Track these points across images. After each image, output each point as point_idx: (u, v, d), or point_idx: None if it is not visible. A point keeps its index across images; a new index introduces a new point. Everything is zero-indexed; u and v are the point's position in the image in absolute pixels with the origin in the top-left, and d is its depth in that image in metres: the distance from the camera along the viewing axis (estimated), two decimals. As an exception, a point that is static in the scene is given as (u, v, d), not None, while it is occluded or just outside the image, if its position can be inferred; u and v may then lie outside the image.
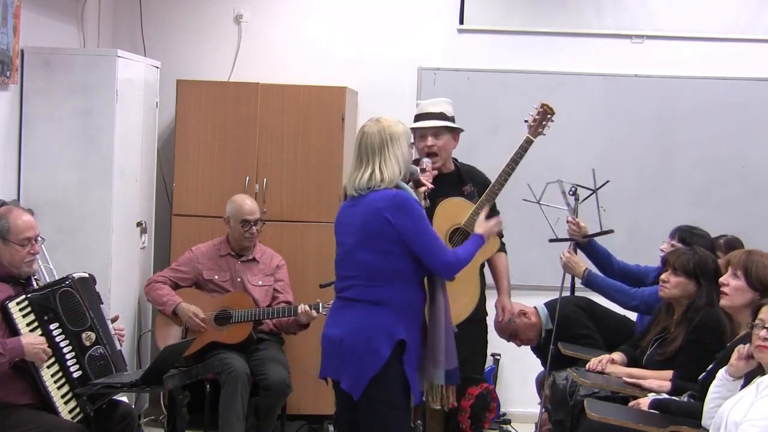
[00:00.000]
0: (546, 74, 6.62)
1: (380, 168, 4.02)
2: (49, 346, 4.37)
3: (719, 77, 6.60)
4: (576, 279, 5.37)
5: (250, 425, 5.63)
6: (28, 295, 4.42)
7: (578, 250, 5.34)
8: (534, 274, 6.34)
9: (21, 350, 4.27)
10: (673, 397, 4.26)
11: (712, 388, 3.92)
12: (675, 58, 6.64)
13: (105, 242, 5.60)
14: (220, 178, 6.21)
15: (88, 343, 4.52)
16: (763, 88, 6.60)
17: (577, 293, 5.54)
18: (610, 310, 5.49)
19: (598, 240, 5.36)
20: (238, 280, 5.80)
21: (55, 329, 4.44)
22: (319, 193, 6.20)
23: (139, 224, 6.05)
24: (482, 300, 5.06)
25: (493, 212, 5.08)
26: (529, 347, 5.74)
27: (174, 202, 6.31)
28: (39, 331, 4.39)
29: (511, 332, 5.48)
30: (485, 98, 6.57)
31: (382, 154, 4.03)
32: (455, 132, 5.09)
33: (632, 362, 4.76)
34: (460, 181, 5.09)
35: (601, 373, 4.67)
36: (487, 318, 5.25)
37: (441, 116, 5.03)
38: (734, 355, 3.88)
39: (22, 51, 5.46)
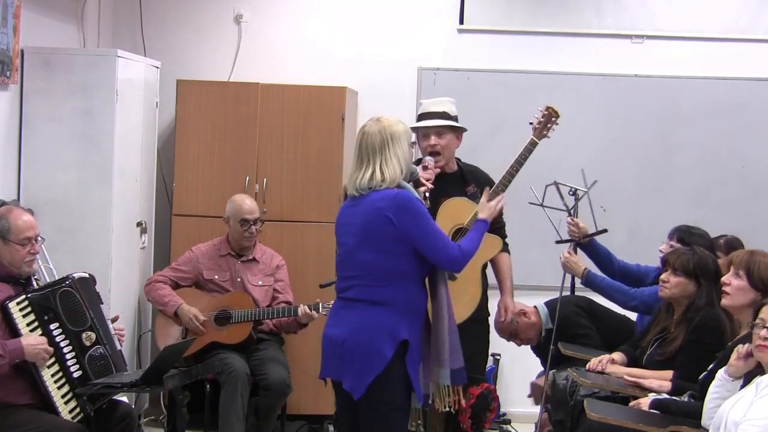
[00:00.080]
0: (546, 74, 6.62)
1: (381, 168, 4.01)
2: (49, 346, 4.38)
3: (719, 77, 6.60)
4: (576, 279, 5.37)
5: (250, 425, 5.63)
6: (28, 295, 4.42)
7: (579, 250, 5.34)
8: (534, 274, 6.34)
9: (21, 352, 4.27)
10: (674, 397, 4.26)
11: (711, 388, 3.93)
12: (675, 58, 6.65)
13: (105, 242, 5.60)
14: (220, 178, 6.21)
15: (88, 343, 4.52)
16: (763, 88, 6.60)
17: (577, 293, 5.54)
18: (611, 310, 5.49)
19: (599, 239, 5.36)
20: (238, 280, 5.80)
21: (55, 329, 4.44)
22: (319, 193, 6.20)
23: (139, 224, 6.05)
24: (484, 300, 5.06)
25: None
26: (529, 347, 5.74)
27: (174, 202, 6.31)
28: (39, 331, 4.39)
29: (511, 332, 5.48)
30: (485, 98, 6.57)
31: (383, 154, 4.03)
32: (458, 131, 5.08)
33: (632, 362, 4.76)
34: (463, 181, 5.08)
35: (601, 373, 4.67)
36: (489, 318, 5.25)
37: (444, 115, 5.02)
38: (733, 355, 3.88)
39: (22, 51, 5.46)
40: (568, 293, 5.49)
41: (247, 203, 5.82)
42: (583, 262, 5.31)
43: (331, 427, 6.23)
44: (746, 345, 3.83)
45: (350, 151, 4.25)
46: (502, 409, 6.52)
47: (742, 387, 3.78)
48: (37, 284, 4.58)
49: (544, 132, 4.81)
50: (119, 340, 4.73)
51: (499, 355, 6.50)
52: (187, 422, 4.70)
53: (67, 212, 5.55)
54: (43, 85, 5.53)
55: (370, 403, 3.97)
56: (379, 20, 6.70)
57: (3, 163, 5.39)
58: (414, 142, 4.29)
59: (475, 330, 4.96)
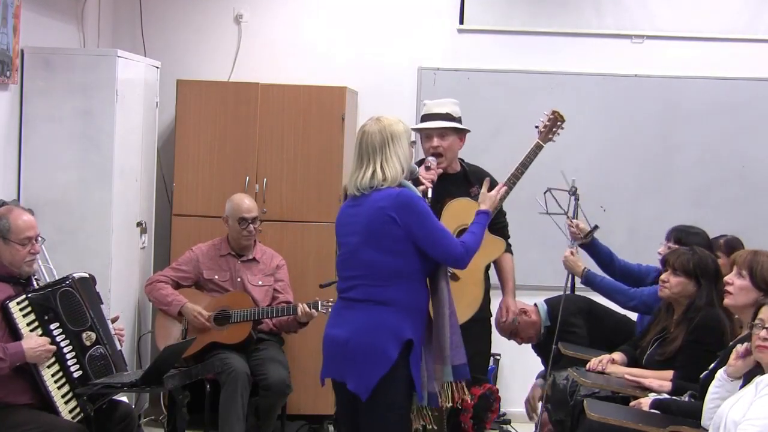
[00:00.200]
0: (546, 74, 6.62)
1: (382, 167, 4.01)
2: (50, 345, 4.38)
3: (719, 77, 6.61)
4: (577, 279, 5.37)
5: (250, 425, 5.64)
6: (29, 295, 4.42)
7: (580, 250, 5.34)
8: (534, 274, 6.34)
9: (22, 355, 4.27)
10: (674, 397, 4.26)
11: (711, 388, 3.93)
12: (675, 58, 6.65)
13: (105, 242, 5.60)
14: (220, 178, 6.21)
15: (88, 343, 4.52)
16: (763, 88, 6.60)
17: (577, 293, 5.54)
18: (611, 310, 5.50)
19: (601, 239, 5.36)
20: (238, 279, 5.80)
21: (56, 329, 4.44)
22: (319, 193, 6.20)
23: (139, 224, 6.05)
24: (486, 300, 5.07)
25: (500, 214, 5.09)
26: (529, 347, 5.75)
27: (174, 202, 6.31)
28: (39, 331, 4.40)
29: (511, 331, 5.48)
30: (485, 98, 6.57)
31: (383, 153, 4.02)
32: (461, 133, 5.07)
33: (632, 362, 4.76)
34: (467, 181, 5.08)
35: (602, 373, 4.67)
36: (491, 318, 5.26)
37: (447, 117, 5.01)
38: (732, 356, 3.88)
39: (22, 51, 5.46)
40: (569, 293, 5.49)
41: (245, 202, 5.82)
42: (584, 262, 5.31)
43: (331, 427, 6.23)
44: (744, 344, 3.83)
45: (350, 151, 4.25)
46: (502, 409, 6.51)
47: (742, 387, 3.78)
48: (38, 284, 4.58)
49: (550, 136, 4.82)
50: (119, 341, 4.73)
51: (499, 355, 6.50)
52: (187, 422, 4.70)
53: (67, 212, 5.55)
54: (43, 85, 5.53)
55: (373, 404, 3.96)
56: (379, 20, 6.70)
57: (3, 163, 5.39)
58: (414, 142, 4.28)
59: (477, 330, 4.96)
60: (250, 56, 6.67)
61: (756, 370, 3.75)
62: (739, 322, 4.29)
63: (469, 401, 4.38)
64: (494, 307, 5.28)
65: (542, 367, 5.68)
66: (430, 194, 4.48)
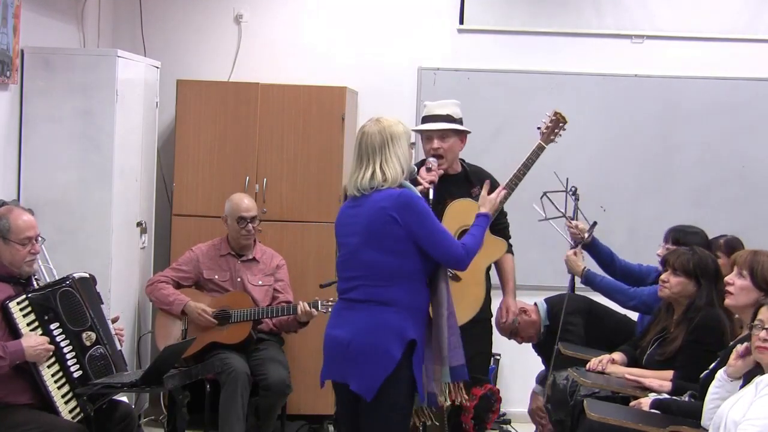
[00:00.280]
0: (546, 74, 6.62)
1: (381, 168, 4.01)
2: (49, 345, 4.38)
3: (719, 77, 6.61)
4: (577, 278, 5.37)
5: (250, 425, 5.64)
6: (29, 295, 4.42)
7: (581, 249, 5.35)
8: (534, 274, 6.34)
9: (22, 353, 4.27)
10: (674, 397, 4.26)
11: (711, 388, 3.93)
12: (675, 58, 6.65)
13: (105, 242, 5.60)
14: (220, 178, 6.21)
15: (88, 343, 4.52)
16: (763, 88, 6.60)
17: (578, 293, 5.53)
18: (611, 310, 5.50)
19: (601, 240, 5.36)
20: (238, 279, 5.80)
21: (56, 329, 4.45)
22: (319, 193, 6.20)
23: (139, 224, 6.05)
24: (487, 301, 5.07)
25: (501, 215, 5.08)
26: (529, 346, 5.75)
27: (174, 202, 6.31)
28: (39, 331, 4.40)
29: (512, 330, 5.48)
30: (485, 98, 6.57)
31: (383, 154, 4.03)
32: (462, 134, 5.06)
33: (632, 362, 4.76)
34: (468, 182, 5.08)
35: (602, 373, 4.67)
36: (492, 319, 5.26)
37: (448, 118, 5.00)
38: (732, 356, 3.88)
39: (22, 51, 5.46)
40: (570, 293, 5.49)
41: (244, 202, 5.83)
42: (586, 262, 5.31)
43: (331, 427, 6.23)
44: (744, 344, 3.83)
45: (350, 151, 4.26)
46: (503, 409, 6.51)
47: (742, 387, 3.78)
48: (38, 284, 4.58)
49: (552, 137, 4.82)
50: (119, 341, 4.73)
51: (499, 355, 6.50)
52: (187, 422, 4.71)
53: (67, 212, 5.55)
54: (43, 85, 5.53)
55: (376, 404, 3.95)
56: (379, 20, 6.70)
57: (3, 163, 5.39)
58: (413, 143, 4.29)
59: (477, 330, 4.96)
60: (250, 56, 6.67)
61: (756, 370, 3.75)
62: (739, 322, 4.29)
63: (467, 402, 4.37)
64: (495, 308, 5.27)
65: (542, 367, 5.69)
66: (431, 195, 4.48)
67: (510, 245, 5.19)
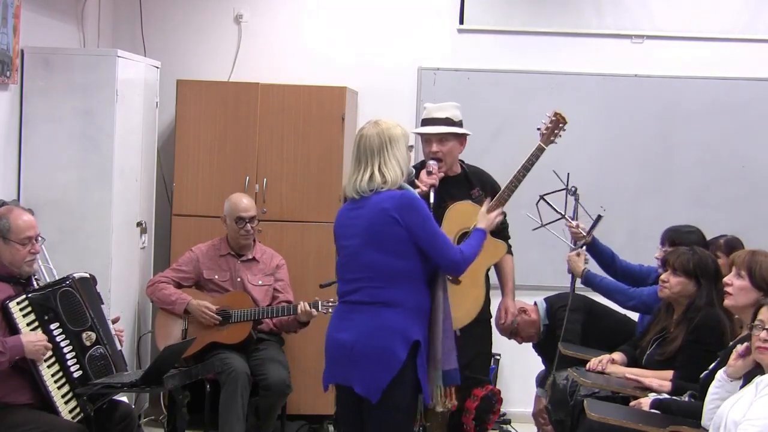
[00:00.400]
0: (546, 74, 6.62)
1: (380, 170, 4.01)
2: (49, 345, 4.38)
3: (719, 77, 6.61)
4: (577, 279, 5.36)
5: (250, 425, 5.64)
6: (29, 295, 4.42)
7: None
8: (534, 274, 6.34)
9: (21, 348, 4.27)
10: (674, 397, 4.26)
11: (711, 388, 3.92)
12: (675, 58, 6.65)
13: (105, 242, 5.60)
14: (220, 178, 6.21)
15: (88, 343, 4.52)
16: (763, 88, 6.60)
17: (581, 293, 5.53)
18: (611, 310, 5.49)
19: (602, 239, 5.35)
20: (238, 279, 5.80)
21: (56, 329, 4.45)
22: (319, 193, 6.20)
23: (139, 224, 6.05)
24: (487, 302, 5.06)
25: None
26: (529, 346, 5.75)
27: (174, 202, 6.31)
28: (39, 331, 4.39)
29: (512, 330, 5.48)
30: (485, 98, 6.57)
31: (381, 156, 4.03)
32: (461, 137, 5.05)
33: (632, 362, 4.76)
34: (468, 183, 5.07)
35: (602, 373, 4.67)
36: (492, 320, 5.25)
37: (447, 121, 4.98)
38: (732, 356, 3.88)
39: (22, 51, 5.46)
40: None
41: (243, 201, 5.83)
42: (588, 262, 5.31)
43: (331, 427, 6.23)
44: (744, 344, 3.83)
45: (350, 151, 4.26)
46: (503, 409, 6.51)
47: (742, 387, 3.78)
48: (38, 284, 4.58)
49: (552, 138, 4.81)
50: (119, 341, 4.73)
51: (499, 355, 6.50)
52: (187, 422, 4.71)
53: (67, 212, 5.55)
54: (43, 85, 5.53)
55: (381, 406, 3.94)
56: (379, 20, 6.70)
57: (3, 163, 5.39)
58: (412, 146, 4.29)
59: (478, 331, 4.96)
60: (250, 56, 6.67)
61: (756, 370, 3.75)
62: (739, 322, 4.29)
63: (456, 406, 4.38)
64: (494, 308, 5.27)
65: (542, 367, 5.69)
66: (432, 199, 4.48)
67: (509, 246, 5.19)
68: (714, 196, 6.60)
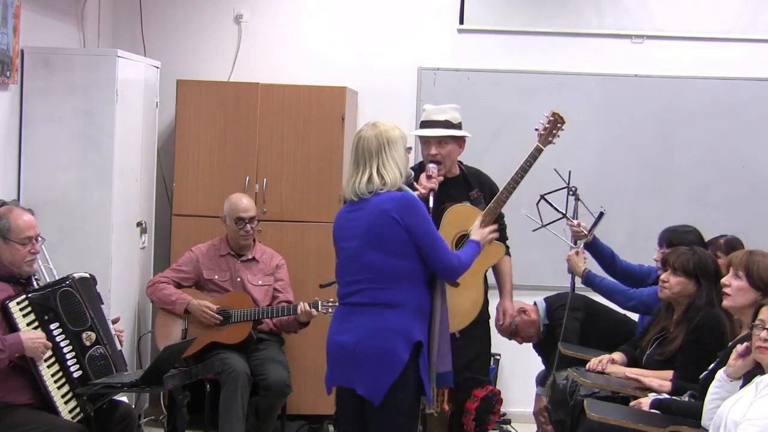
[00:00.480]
0: (546, 74, 6.62)
1: (378, 171, 4.01)
2: (49, 345, 4.38)
3: (719, 77, 6.60)
4: (577, 278, 5.36)
5: (250, 425, 5.64)
6: (29, 295, 4.42)
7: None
8: (534, 274, 6.34)
9: (20, 345, 4.27)
10: (674, 397, 4.26)
11: (711, 388, 3.92)
12: (675, 58, 6.65)
13: (105, 242, 5.60)
14: (220, 178, 6.21)
15: (88, 343, 4.52)
16: (763, 88, 6.60)
17: (578, 293, 5.53)
18: (611, 310, 5.50)
19: (603, 239, 5.35)
20: (238, 279, 5.80)
21: (56, 329, 4.44)
22: (319, 193, 6.20)
23: (139, 224, 6.05)
24: (485, 303, 5.06)
25: (498, 217, 5.07)
26: (530, 346, 5.75)
27: (174, 202, 6.31)
28: (39, 330, 4.40)
29: (511, 331, 5.48)
30: (485, 98, 6.57)
31: (379, 158, 4.03)
32: (461, 139, 5.04)
33: (632, 362, 4.76)
34: (466, 184, 5.07)
35: (602, 373, 4.67)
36: (490, 320, 5.25)
37: (446, 124, 4.97)
38: (732, 356, 3.88)
39: (22, 51, 5.46)
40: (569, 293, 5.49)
41: (243, 202, 5.82)
42: (587, 262, 5.30)
43: (331, 427, 6.23)
44: (744, 344, 3.83)
45: (350, 151, 4.26)
46: (503, 410, 6.51)
47: (742, 387, 3.78)
48: (38, 284, 4.58)
49: (550, 138, 4.80)
50: (119, 341, 4.73)
51: (499, 355, 6.50)
52: (187, 422, 4.71)
53: (67, 212, 5.55)
54: (43, 85, 5.53)
55: (384, 407, 3.94)
56: (379, 20, 6.70)
57: (3, 163, 5.39)
58: (410, 148, 4.29)
59: (477, 333, 4.96)
60: (250, 56, 6.67)
61: (756, 370, 3.75)
62: (739, 322, 4.29)
63: (447, 408, 4.38)
64: (492, 309, 5.26)
65: (542, 367, 5.69)
66: (431, 203, 4.48)
67: (507, 247, 5.19)
68: (714, 196, 6.60)
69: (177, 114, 6.28)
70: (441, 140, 4.95)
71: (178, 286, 5.80)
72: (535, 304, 5.61)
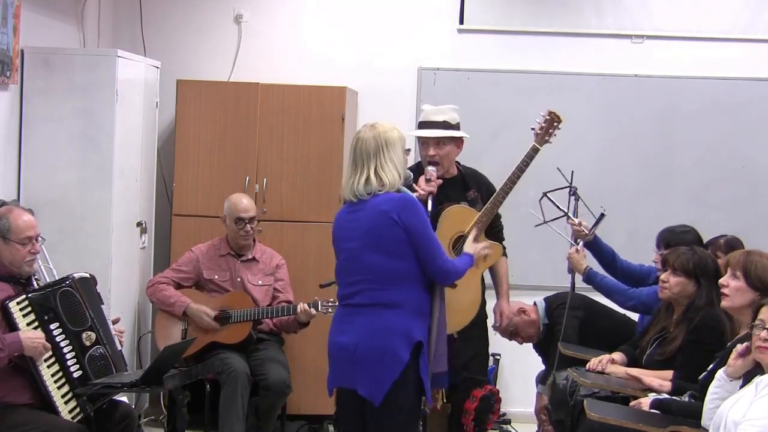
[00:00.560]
0: (546, 74, 6.62)
1: (376, 173, 4.02)
2: (49, 346, 4.37)
3: (719, 77, 6.60)
4: (578, 277, 5.36)
5: (250, 425, 5.64)
6: (29, 295, 4.42)
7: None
8: (534, 274, 6.34)
9: (20, 345, 4.27)
10: (674, 397, 4.26)
11: (711, 388, 3.92)
12: (675, 58, 6.65)
13: (105, 242, 5.60)
14: (220, 178, 6.21)
15: (88, 343, 4.52)
16: (763, 88, 6.60)
17: (579, 292, 5.53)
18: (611, 310, 5.50)
19: (604, 239, 5.35)
20: (238, 279, 5.80)
21: (56, 329, 4.44)
22: (319, 193, 6.19)
23: (139, 224, 6.05)
24: (482, 303, 5.06)
25: (495, 218, 5.08)
26: (530, 346, 5.75)
27: (174, 202, 6.31)
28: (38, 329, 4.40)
29: (511, 331, 5.48)
30: (485, 98, 6.57)
31: (377, 159, 4.03)
32: (459, 140, 5.04)
33: (632, 362, 4.76)
34: (464, 185, 5.07)
35: (602, 373, 4.67)
36: (488, 320, 5.25)
37: (444, 125, 4.97)
38: (732, 356, 3.88)
39: (22, 51, 5.46)
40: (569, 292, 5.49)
41: (243, 202, 5.82)
42: (587, 260, 5.31)
43: (331, 427, 6.23)
44: (744, 343, 3.83)
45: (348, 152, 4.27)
46: (502, 409, 6.51)
47: (742, 387, 3.78)
48: (38, 284, 4.58)
49: (546, 137, 4.80)
50: (119, 341, 4.73)
51: (499, 355, 6.50)
52: (187, 422, 4.70)
53: (67, 212, 5.55)
54: (43, 85, 5.53)
55: (384, 408, 3.94)
56: (379, 20, 6.70)
57: (3, 163, 5.39)
58: (409, 149, 4.29)
59: (475, 333, 4.96)
60: (250, 56, 6.67)
61: (756, 370, 3.75)
62: (738, 322, 4.29)
63: (438, 408, 4.38)
64: (490, 309, 5.26)
65: (542, 367, 5.69)
66: (430, 206, 4.48)
67: (504, 248, 5.19)
68: (714, 196, 6.60)
69: (177, 114, 6.28)
70: (439, 141, 4.95)
71: (178, 286, 5.80)
72: (534, 304, 5.61)
